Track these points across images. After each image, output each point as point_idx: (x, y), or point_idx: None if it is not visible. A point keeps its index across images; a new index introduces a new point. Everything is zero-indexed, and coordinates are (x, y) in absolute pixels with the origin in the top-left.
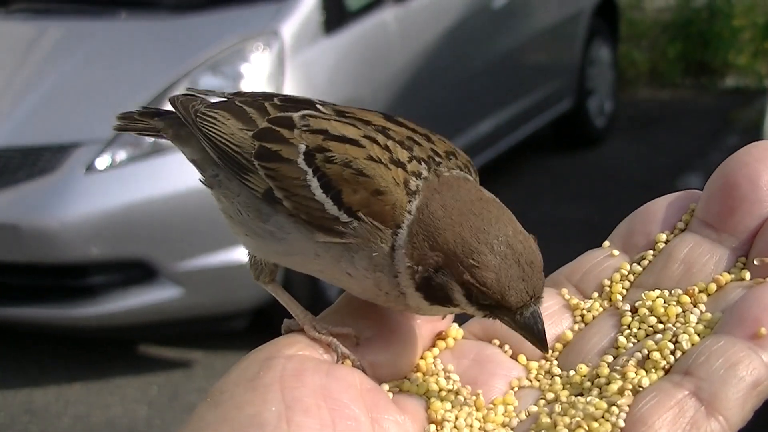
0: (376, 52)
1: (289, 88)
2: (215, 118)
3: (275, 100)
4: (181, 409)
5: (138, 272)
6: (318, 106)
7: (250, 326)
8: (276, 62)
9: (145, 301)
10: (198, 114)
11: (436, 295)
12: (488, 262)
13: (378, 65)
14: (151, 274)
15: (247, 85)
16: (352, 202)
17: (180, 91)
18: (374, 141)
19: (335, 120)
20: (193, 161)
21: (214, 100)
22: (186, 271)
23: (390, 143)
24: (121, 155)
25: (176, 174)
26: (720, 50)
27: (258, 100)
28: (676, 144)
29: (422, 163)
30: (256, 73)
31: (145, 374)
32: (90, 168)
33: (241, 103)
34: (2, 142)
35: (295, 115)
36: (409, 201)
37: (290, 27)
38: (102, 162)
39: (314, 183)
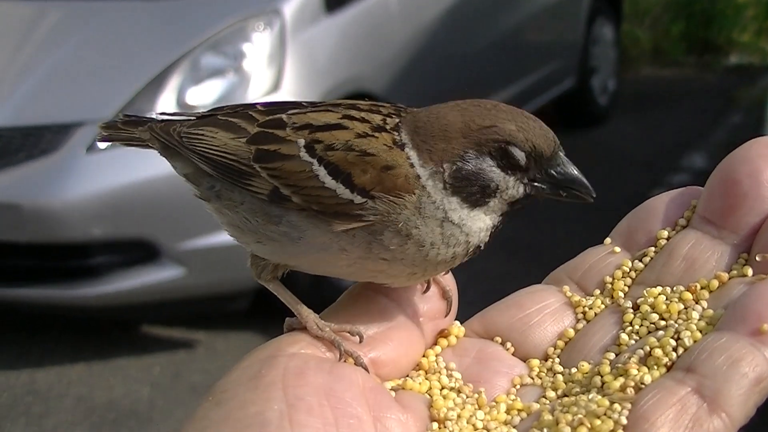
0: (377, 31)
1: (291, 68)
2: (203, 135)
3: (258, 106)
4: (184, 389)
5: (140, 252)
6: (303, 104)
7: (252, 307)
8: (277, 41)
9: (147, 281)
10: (182, 135)
11: (472, 189)
12: (500, 117)
13: (380, 44)
14: (153, 254)
15: (249, 65)
16: (364, 183)
17: (178, 71)
18: (352, 118)
19: (311, 111)
20: (185, 176)
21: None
22: (188, 250)
23: (364, 114)
24: None
25: None
26: (723, 28)
27: (239, 110)
28: (679, 122)
29: (392, 116)
30: (257, 53)
31: (147, 355)
32: (91, 148)
33: (224, 116)
34: (3, 123)
35: (284, 115)
36: (402, 146)
37: (291, 6)
38: (103, 142)
39: (321, 172)
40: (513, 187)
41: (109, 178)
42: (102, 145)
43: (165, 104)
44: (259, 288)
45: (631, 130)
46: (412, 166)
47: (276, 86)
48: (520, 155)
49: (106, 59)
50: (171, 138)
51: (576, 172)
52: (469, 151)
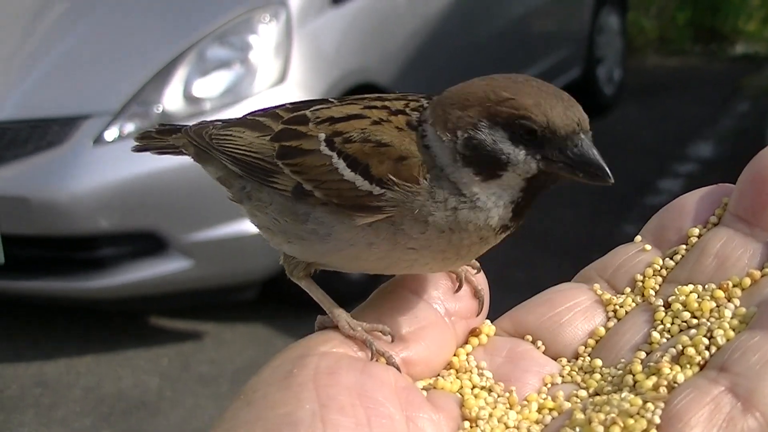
0: (383, 22)
1: (297, 59)
2: (231, 135)
3: (287, 105)
4: (192, 380)
5: (148, 244)
6: (330, 99)
7: (259, 297)
8: (283, 33)
9: (155, 272)
10: (213, 137)
11: (483, 160)
12: (523, 91)
13: (385, 35)
14: (160, 245)
15: (256, 56)
16: (381, 173)
17: (184, 63)
18: (374, 107)
19: (336, 105)
20: (219, 179)
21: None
22: (196, 242)
23: (387, 103)
24: (129, 127)
25: None
26: (729, 16)
27: (270, 109)
28: (685, 111)
29: (419, 100)
30: (263, 44)
31: (155, 346)
32: (98, 140)
33: (253, 116)
34: (10, 115)
35: (308, 111)
36: (417, 125)
37: None
38: (110, 134)
39: (341, 164)
40: (524, 162)
41: (117, 170)
42: (109, 137)
43: (172, 96)
44: (266, 279)
45: (637, 119)
46: (424, 137)
47: (282, 78)
48: (532, 130)
49: (113, 51)
50: (202, 141)
51: (593, 155)
52: (483, 121)
